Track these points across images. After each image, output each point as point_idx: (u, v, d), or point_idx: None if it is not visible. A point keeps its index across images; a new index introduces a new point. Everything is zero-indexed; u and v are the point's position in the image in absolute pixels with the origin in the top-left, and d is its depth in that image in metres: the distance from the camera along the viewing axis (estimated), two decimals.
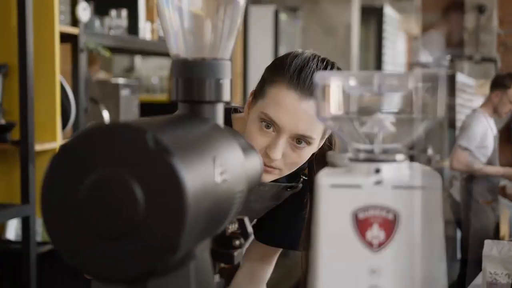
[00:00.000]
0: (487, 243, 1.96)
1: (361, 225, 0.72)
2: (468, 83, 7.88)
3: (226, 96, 0.86)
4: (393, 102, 0.81)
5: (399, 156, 0.75)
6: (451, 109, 7.28)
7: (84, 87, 2.84)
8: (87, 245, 0.66)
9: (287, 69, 1.30)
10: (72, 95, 2.72)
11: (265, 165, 1.31)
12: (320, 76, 0.75)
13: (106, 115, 3.08)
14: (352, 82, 0.75)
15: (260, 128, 1.30)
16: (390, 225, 0.71)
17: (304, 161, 1.34)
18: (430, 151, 6.47)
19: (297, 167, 1.36)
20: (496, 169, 4.56)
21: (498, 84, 4.52)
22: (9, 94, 2.58)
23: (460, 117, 7.61)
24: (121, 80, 3.34)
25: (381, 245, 0.72)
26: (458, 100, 7.39)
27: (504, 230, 4.82)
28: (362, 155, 0.75)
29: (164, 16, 0.86)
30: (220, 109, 0.86)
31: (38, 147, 2.53)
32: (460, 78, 7.49)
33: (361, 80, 0.75)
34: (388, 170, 0.73)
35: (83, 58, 2.81)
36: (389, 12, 7.80)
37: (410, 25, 9.20)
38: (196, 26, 0.85)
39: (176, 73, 0.85)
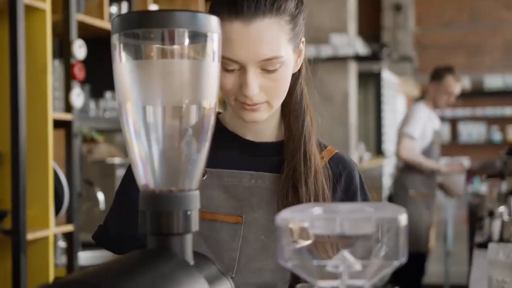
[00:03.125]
0: (492, 246, 1.78)
1: None
2: (392, 80, 8.00)
3: (195, 227, 0.85)
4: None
5: None
6: (378, 105, 7.43)
7: (78, 172, 2.84)
8: None
9: (220, 1, 1.20)
10: (66, 181, 2.72)
11: (248, 105, 1.22)
12: (281, 218, 0.74)
13: (101, 197, 3.08)
14: (315, 224, 0.74)
15: (223, 72, 1.18)
16: None
17: (287, 83, 1.24)
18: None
19: (284, 92, 1.24)
20: (432, 164, 4.54)
21: (434, 76, 4.70)
22: (1, 182, 2.58)
23: (386, 115, 7.70)
24: (117, 160, 3.35)
25: None
26: (383, 98, 7.49)
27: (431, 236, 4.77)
28: None
29: (132, 147, 0.86)
30: (189, 240, 0.86)
31: (30, 235, 2.52)
32: (386, 75, 7.58)
33: (324, 222, 0.75)
34: None
35: (76, 143, 2.83)
36: (387, 76, 7.87)
37: (409, 87, 9.28)
38: (164, 158, 0.85)
39: (143, 205, 0.85)
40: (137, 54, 0.84)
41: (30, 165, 2.57)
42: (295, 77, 1.32)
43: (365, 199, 1.37)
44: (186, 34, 0.82)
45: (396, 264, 0.74)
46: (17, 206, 2.46)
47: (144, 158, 0.85)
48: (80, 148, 2.96)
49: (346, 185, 1.35)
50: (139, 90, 0.84)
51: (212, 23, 0.83)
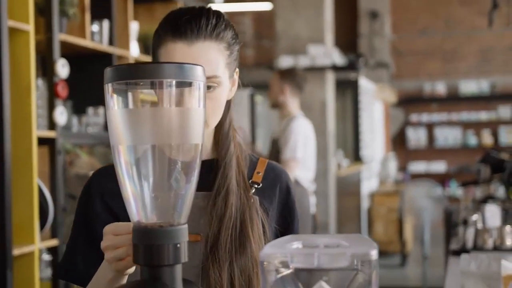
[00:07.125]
0: (464, 257, 1.84)
1: None
2: (369, 87, 8.18)
3: (184, 258, 0.93)
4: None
5: None
6: (356, 112, 7.52)
7: (62, 187, 2.90)
8: None
9: (165, 23, 1.29)
10: (50, 197, 2.77)
11: None
12: (264, 255, 0.82)
13: None
14: (295, 258, 0.82)
15: None
16: None
17: (222, 104, 1.31)
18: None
19: (219, 113, 1.31)
20: None
21: None
22: None
23: (363, 121, 7.83)
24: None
25: None
26: (361, 105, 7.60)
27: None
28: None
29: (124, 185, 0.93)
30: (178, 270, 0.93)
31: (16, 251, 2.57)
32: (363, 82, 7.75)
33: (303, 256, 0.82)
34: None
35: (60, 160, 2.88)
36: (364, 83, 7.99)
37: (386, 93, 9.41)
38: (154, 195, 0.93)
39: (136, 240, 0.92)
40: (128, 102, 0.92)
41: (15, 182, 2.62)
42: (228, 106, 1.38)
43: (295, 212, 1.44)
44: (174, 84, 0.89)
45: None
46: (3, 222, 2.51)
47: (136, 196, 0.93)
48: (62, 165, 3.01)
49: (283, 196, 1.42)
50: (130, 134, 0.91)
51: (197, 72, 0.91)
